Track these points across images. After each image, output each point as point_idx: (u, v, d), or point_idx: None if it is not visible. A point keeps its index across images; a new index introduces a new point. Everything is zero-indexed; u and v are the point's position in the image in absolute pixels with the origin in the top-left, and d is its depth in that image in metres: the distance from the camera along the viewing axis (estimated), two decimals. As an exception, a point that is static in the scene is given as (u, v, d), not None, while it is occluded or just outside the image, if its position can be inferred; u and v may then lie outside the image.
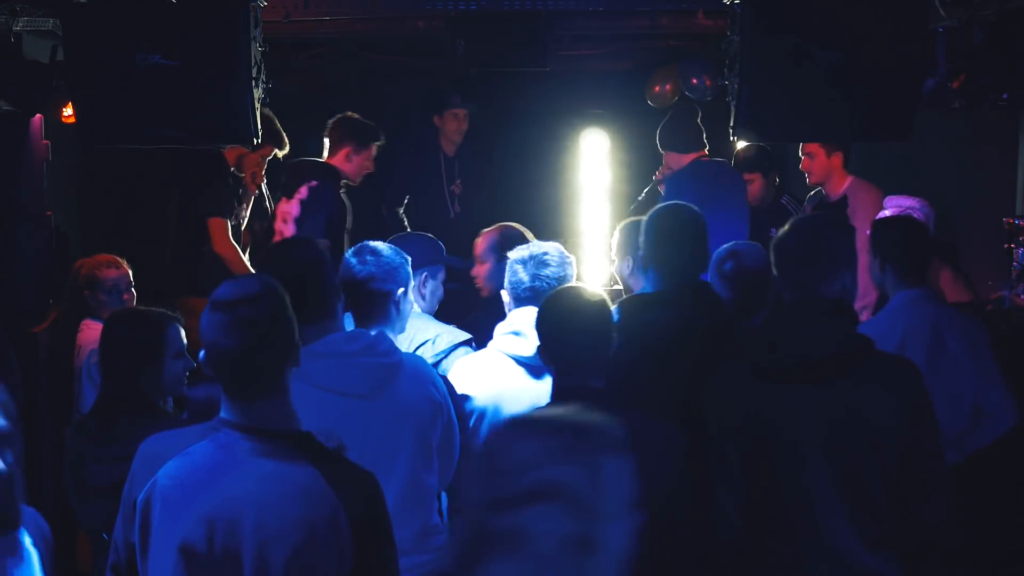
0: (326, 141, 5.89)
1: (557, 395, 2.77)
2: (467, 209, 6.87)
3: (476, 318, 4.28)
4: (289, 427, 2.19)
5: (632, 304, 3.47)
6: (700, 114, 5.90)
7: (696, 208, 3.57)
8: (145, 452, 2.19)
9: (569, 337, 2.75)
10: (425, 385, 3.05)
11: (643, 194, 6.20)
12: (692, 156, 5.74)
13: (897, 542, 2.75)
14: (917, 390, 2.76)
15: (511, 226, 4.37)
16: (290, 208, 5.71)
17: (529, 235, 4.29)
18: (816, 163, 5.64)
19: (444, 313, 4.00)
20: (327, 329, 2.93)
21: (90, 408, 3.37)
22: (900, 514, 2.76)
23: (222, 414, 2.19)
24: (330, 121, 5.91)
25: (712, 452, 2.80)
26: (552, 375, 2.83)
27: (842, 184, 5.63)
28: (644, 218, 3.71)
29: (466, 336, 3.73)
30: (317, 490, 2.12)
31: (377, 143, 5.86)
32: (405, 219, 6.74)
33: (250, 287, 2.17)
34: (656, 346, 3.28)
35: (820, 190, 5.77)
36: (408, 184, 6.81)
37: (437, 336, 3.67)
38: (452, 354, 3.65)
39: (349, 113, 5.93)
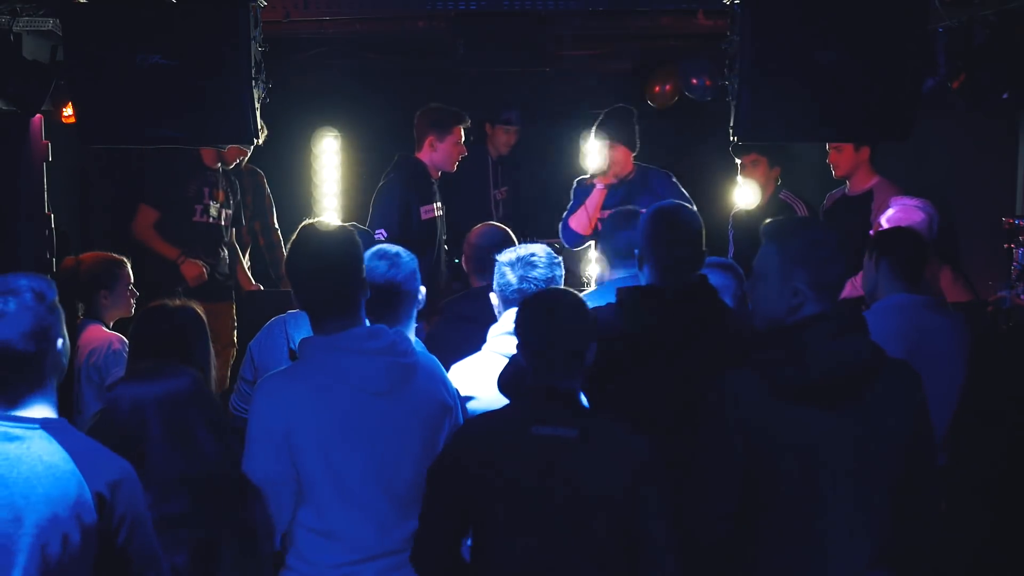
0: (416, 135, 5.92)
1: (526, 394, 2.79)
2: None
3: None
4: (47, 415, 2.38)
5: (625, 295, 3.44)
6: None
7: (694, 209, 3.56)
8: None
9: (542, 336, 2.76)
10: (438, 387, 3.07)
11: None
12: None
13: (894, 551, 2.74)
14: (920, 396, 2.77)
15: (490, 225, 4.45)
16: None
17: (510, 234, 4.36)
18: (843, 156, 5.64)
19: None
20: (348, 324, 2.92)
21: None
22: (896, 519, 2.75)
23: None
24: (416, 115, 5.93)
25: (713, 456, 2.78)
26: (528, 374, 2.83)
27: (868, 181, 5.61)
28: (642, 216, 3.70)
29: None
30: (64, 470, 2.31)
31: (461, 125, 5.86)
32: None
33: None
34: (644, 339, 3.26)
35: (843, 188, 5.75)
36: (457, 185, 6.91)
37: None
38: None
39: (432, 105, 5.92)
